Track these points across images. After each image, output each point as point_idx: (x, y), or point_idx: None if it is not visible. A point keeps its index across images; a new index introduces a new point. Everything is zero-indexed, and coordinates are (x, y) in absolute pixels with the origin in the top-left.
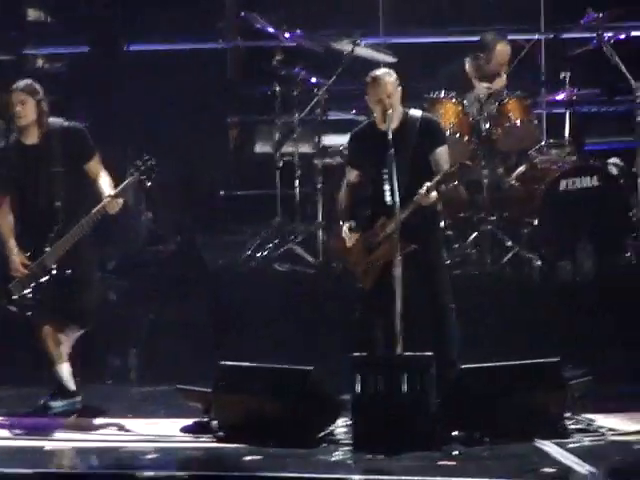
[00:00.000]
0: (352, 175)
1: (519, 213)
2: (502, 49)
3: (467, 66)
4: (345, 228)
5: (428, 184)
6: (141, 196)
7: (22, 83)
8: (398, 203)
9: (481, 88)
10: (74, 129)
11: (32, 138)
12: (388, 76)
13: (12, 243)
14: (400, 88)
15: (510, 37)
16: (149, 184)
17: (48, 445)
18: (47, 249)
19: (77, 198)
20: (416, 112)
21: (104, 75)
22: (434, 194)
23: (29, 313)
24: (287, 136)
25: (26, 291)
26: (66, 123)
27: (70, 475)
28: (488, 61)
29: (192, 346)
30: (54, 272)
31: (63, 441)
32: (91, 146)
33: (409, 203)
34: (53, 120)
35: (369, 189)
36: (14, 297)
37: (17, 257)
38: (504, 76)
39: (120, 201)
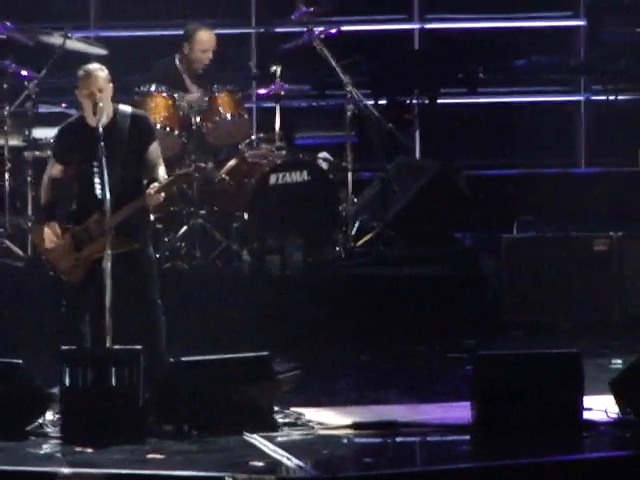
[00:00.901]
0: (56, 170)
1: (229, 207)
2: (203, 35)
3: (176, 60)
4: (48, 227)
5: (158, 185)
6: None
7: None
8: (108, 198)
9: (189, 84)
10: None
11: None
12: (99, 71)
13: None
14: (111, 84)
15: (221, 31)
16: None
17: None
18: None
19: None
20: (126, 108)
21: None
22: (162, 195)
23: None
24: None
25: None
26: None
27: None
28: (191, 49)
29: None
30: None
31: None
32: None
33: (128, 200)
34: None
35: (76, 184)
36: None
37: None
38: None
39: None
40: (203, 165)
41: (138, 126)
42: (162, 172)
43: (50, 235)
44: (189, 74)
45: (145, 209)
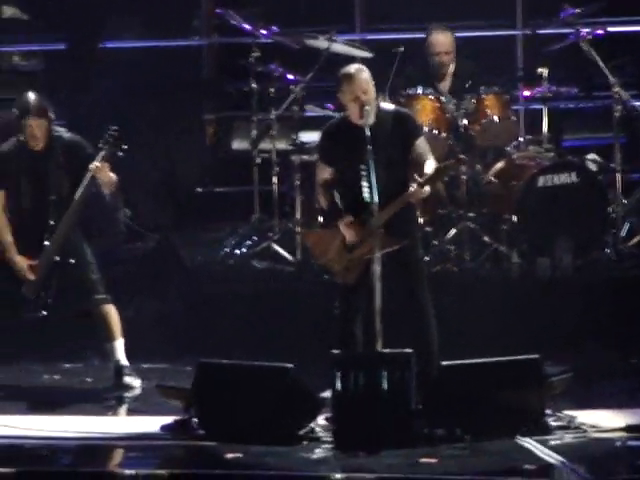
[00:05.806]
0: (326, 172)
1: (497, 210)
2: (436, 37)
3: (418, 67)
4: (344, 223)
5: (421, 179)
6: (119, 193)
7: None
8: (377, 199)
9: (440, 87)
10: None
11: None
12: (361, 72)
13: (10, 243)
14: (373, 83)
15: (488, 33)
16: (120, 154)
17: (31, 442)
18: (46, 243)
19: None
20: (389, 106)
21: (80, 72)
22: (427, 189)
23: (45, 313)
24: (264, 133)
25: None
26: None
27: (48, 473)
28: (427, 52)
29: (171, 343)
30: (58, 264)
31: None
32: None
33: (394, 199)
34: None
35: (341, 186)
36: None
37: (21, 258)
38: (448, 77)
39: (108, 175)
40: (464, 157)
41: (402, 123)
42: (432, 165)
43: (348, 229)
44: (437, 77)
45: (412, 207)
